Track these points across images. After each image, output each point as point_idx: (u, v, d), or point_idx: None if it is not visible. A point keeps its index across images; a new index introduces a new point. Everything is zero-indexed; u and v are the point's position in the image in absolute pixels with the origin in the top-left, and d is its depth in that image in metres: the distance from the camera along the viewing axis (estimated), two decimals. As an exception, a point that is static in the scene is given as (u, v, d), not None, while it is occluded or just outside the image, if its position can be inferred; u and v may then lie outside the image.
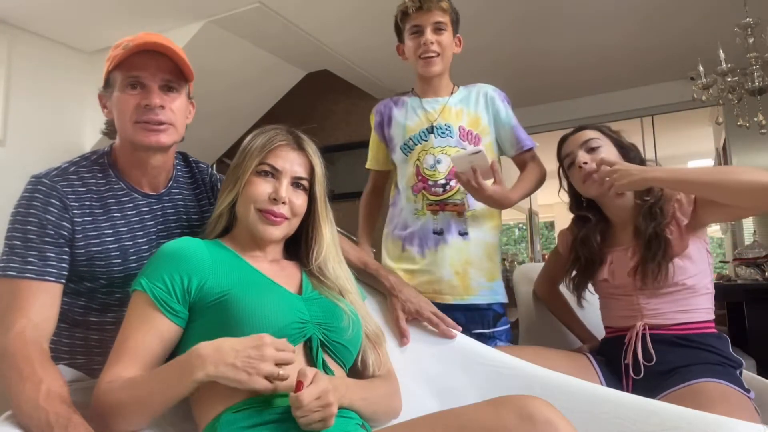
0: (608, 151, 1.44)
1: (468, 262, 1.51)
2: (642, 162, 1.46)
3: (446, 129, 1.55)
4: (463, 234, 1.52)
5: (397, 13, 1.55)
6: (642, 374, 1.30)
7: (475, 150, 1.39)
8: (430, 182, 1.53)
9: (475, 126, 1.57)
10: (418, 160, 1.55)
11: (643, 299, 1.38)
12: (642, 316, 1.37)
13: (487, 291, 1.53)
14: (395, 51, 1.65)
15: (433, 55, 1.51)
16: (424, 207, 1.53)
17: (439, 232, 1.51)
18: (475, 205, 1.52)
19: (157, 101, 1.07)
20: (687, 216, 1.35)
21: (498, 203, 1.47)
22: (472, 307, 1.50)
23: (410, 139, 1.57)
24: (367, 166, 1.75)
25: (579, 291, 1.55)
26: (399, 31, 1.59)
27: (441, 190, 1.52)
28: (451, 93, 1.61)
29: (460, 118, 1.57)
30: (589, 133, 1.47)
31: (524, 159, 1.61)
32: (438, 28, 1.50)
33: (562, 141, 1.53)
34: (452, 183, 1.52)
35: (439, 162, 1.52)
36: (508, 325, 1.58)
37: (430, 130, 1.55)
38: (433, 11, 1.48)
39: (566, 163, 1.50)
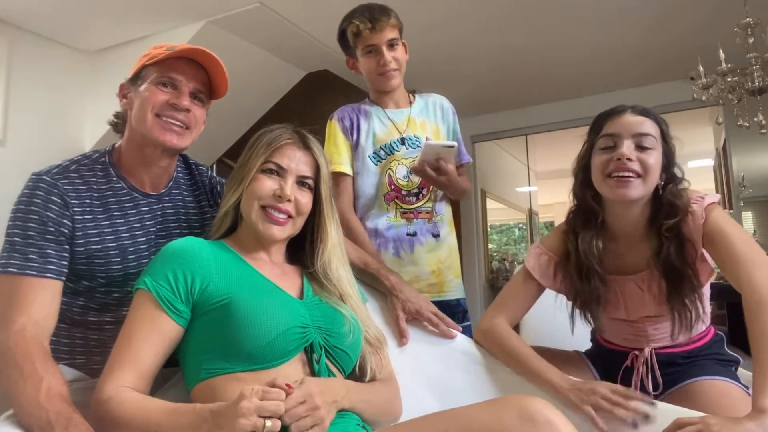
0: (655, 159, 1.18)
1: (441, 260, 1.61)
2: (674, 174, 1.24)
3: (416, 140, 1.62)
4: (436, 236, 1.61)
5: (348, 32, 1.57)
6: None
7: (450, 144, 1.49)
8: (404, 192, 1.60)
9: (437, 135, 1.67)
10: (390, 169, 1.60)
11: (651, 327, 1.28)
12: (649, 341, 1.29)
13: (456, 287, 1.65)
14: None
15: (392, 72, 1.57)
16: (398, 215, 1.59)
17: (413, 234, 1.59)
18: (442, 212, 1.64)
19: (186, 103, 1.13)
20: (699, 235, 1.17)
21: (447, 186, 1.56)
22: (445, 304, 1.56)
23: (381, 148, 1.61)
24: (344, 170, 1.58)
25: (585, 318, 1.33)
26: (346, 45, 1.62)
27: (414, 199, 1.60)
28: (410, 103, 1.68)
29: (425, 129, 1.66)
30: (650, 128, 1.20)
31: (460, 172, 1.69)
32: (391, 45, 1.56)
33: (614, 114, 1.24)
34: (424, 192, 1.61)
35: (411, 172, 1.58)
36: (470, 322, 1.66)
37: (402, 141, 1.62)
38: (385, 30, 1.53)
39: (603, 142, 1.22)
